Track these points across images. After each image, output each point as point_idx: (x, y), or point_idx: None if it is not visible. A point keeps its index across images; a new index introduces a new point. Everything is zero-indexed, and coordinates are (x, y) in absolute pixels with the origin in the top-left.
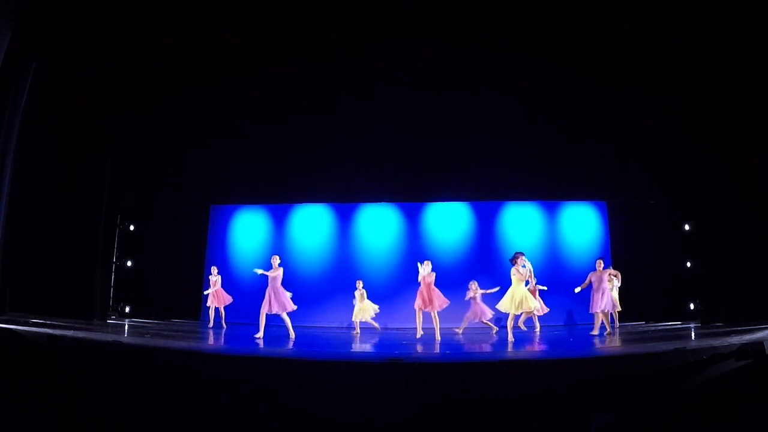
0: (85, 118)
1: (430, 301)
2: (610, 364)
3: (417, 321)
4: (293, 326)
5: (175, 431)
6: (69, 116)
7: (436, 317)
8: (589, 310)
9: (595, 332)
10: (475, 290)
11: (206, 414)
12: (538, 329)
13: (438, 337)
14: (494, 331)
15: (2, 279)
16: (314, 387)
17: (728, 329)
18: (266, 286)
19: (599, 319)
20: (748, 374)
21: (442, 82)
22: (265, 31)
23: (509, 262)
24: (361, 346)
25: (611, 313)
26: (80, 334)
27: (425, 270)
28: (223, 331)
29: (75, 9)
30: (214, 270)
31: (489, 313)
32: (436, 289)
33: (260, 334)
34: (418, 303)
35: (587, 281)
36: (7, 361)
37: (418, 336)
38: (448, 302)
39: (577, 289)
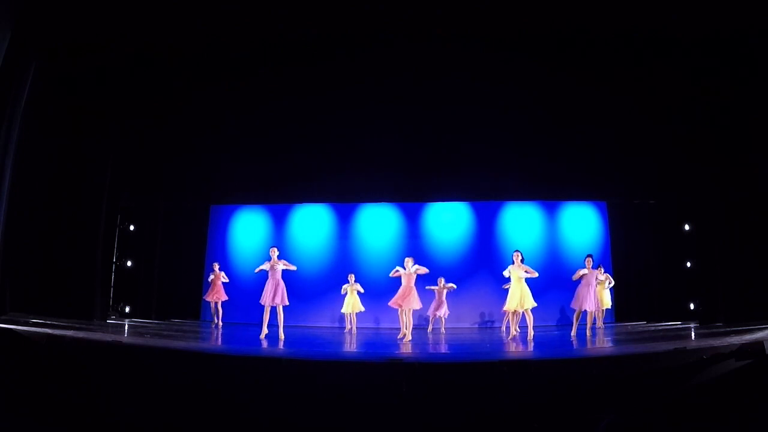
0: (86, 118)
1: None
2: (610, 364)
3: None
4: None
5: (175, 431)
6: (69, 116)
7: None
8: (571, 305)
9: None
10: (442, 285)
11: (206, 414)
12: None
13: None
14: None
15: (2, 279)
16: (314, 387)
17: (728, 329)
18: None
19: (593, 317)
20: (748, 374)
21: (442, 83)
22: (265, 33)
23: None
24: (361, 347)
25: (590, 312)
26: (80, 334)
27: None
28: (220, 330)
29: (75, 9)
30: (215, 266)
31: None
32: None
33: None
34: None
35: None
36: (7, 361)
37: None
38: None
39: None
